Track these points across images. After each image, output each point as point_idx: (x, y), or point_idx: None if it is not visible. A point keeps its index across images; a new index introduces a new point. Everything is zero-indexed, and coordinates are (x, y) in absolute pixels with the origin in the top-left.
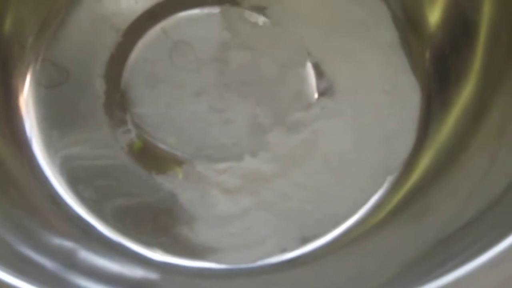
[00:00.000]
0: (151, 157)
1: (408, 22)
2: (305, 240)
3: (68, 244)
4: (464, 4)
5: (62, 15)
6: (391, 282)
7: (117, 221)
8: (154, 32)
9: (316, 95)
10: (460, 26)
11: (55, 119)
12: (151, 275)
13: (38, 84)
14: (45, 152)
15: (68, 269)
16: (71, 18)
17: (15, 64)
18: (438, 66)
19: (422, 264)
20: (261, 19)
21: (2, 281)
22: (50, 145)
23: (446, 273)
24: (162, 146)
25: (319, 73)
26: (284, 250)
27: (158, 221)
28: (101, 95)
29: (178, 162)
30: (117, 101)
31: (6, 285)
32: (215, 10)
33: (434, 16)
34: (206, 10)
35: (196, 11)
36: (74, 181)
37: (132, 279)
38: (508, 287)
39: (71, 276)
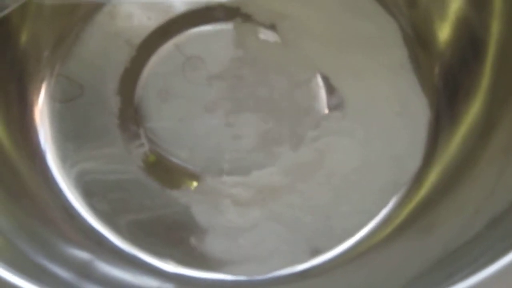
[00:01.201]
0: (164, 170)
1: (418, 40)
2: (315, 253)
3: (82, 254)
4: (473, 22)
5: (76, 31)
6: None
7: (131, 233)
8: (167, 47)
9: (326, 111)
10: (469, 44)
11: (70, 133)
12: (164, 286)
13: (52, 99)
14: (59, 164)
15: (82, 279)
16: (85, 34)
17: (30, 78)
18: (447, 83)
19: (429, 277)
20: (271, 35)
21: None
22: (64, 158)
23: (452, 285)
24: (175, 160)
25: (330, 89)
26: (294, 263)
27: (171, 233)
28: (114, 109)
29: (190, 175)
30: (131, 116)
31: None
32: (226, 26)
33: (443, 33)
34: (218, 27)
35: (208, 27)
36: (88, 193)
37: None
38: None
39: (86, 285)
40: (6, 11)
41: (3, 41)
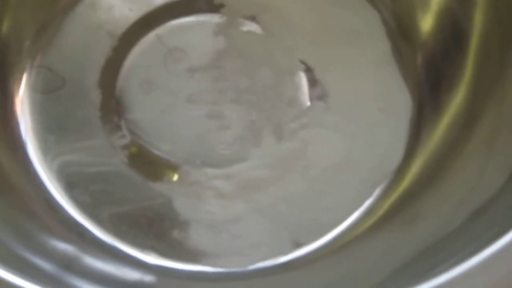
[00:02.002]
0: (145, 162)
1: (401, 31)
2: (298, 245)
3: (64, 246)
4: (456, 13)
5: (57, 22)
6: (382, 285)
7: (112, 225)
8: (148, 39)
9: (309, 103)
10: (451, 35)
11: (51, 125)
12: (146, 278)
13: (34, 90)
14: (40, 156)
15: (64, 271)
16: (66, 26)
17: (11, 69)
18: (430, 74)
19: (412, 268)
20: (253, 27)
21: (2, 279)
22: (45, 150)
23: (437, 275)
24: (157, 151)
25: (312, 80)
26: (277, 255)
27: (152, 225)
28: (96, 101)
29: (173, 167)
30: (112, 107)
31: (6, 284)
32: (208, 18)
33: (426, 25)
34: (200, 18)
35: (190, 19)
36: (69, 185)
37: (127, 281)
38: None
39: (68, 277)
40: None
41: None
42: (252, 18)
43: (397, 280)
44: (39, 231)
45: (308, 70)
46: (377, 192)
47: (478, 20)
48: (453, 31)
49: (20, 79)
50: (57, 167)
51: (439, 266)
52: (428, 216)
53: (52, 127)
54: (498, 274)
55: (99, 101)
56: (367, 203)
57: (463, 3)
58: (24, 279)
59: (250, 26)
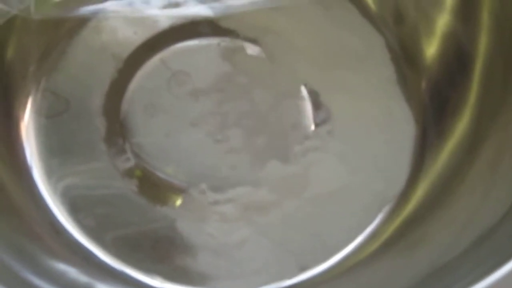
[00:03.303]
0: (150, 186)
1: (405, 55)
2: (302, 269)
3: (69, 270)
4: (460, 37)
5: (62, 46)
6: None
7: (117, 248)
8: (152, 62)
9: (312, 126)
10: (456, 59)
11: (56, 148)
12: None
13: (38, 114)
14: (45, 180)
15: None
16: (71, 49)
17: (16, 93)
18: (434, 98)
19: None
20: (257, 50)
21: None
22: (50, 173)
23: None
24: (161, 175)
25: (316, 104)
26: (281, 279)
27: (157, 248)
28: (100, 124)
29: (177, 191)
30: (117, 131)
31: None
32: (212, 41)
33: (430, 49)
34: (203, 42)
35: (194, 42)
36: (74, 209)
37: None
38: None
39: None
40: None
41: None
42: (255, 41)
43: None
44: (44, 254)
45: (312, 94)
46: (380, 216)
47: (482, 44)
48: (457, 55)
49: (25, 103)
50: (62, 190)
51: None
52: (432, 241)
53: (57, 151)
54: None
55: (103, 124)
56: (371, 227)
57: (467, 27)
58: None
59: (253, 49)
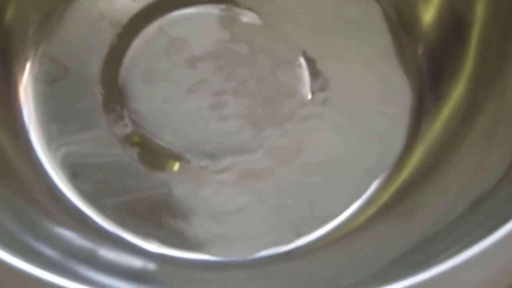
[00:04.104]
0: (147, 152)
1: (401, 23)
2: (298, 235)
3: (67, 233)
4: (457, 5)
5: (60, 12)
6: (382, 273)
7: (114, 214)
8: (150, 29)
9: (309, 94)
10: (452, 27)
11: (54, 114)
12: (149, 266)
13: (37, 79)
14: (44, 145)
15: (68, 258)
16: (69, 15)
17: (15, 57)
18: (431, 65)
19: (413, 257)
20: (255, 19)
21: (7, 263)
22: (48, 139)
23: (437, 264)
24: (158, 141)
25: (314, 72)
26: (278, 244)
27: (154, 214)
28: (99, 91)
29: (174, 157)
30: (115, 97)
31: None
32: (211, 9)
33: (427, 17)
34: (202, 9)
35: (192, 10)
36: (72, 175)
37: (129, 269)
38: (496, 280)
39: (71, 264)
40: None
41: None
42: (253, 10)
43: (397, 269)
44: (42, 218)
45: (310, 62)
46: (377, 182)
47: (479, 12)
48: (454, 23)
49: (24, 68)
50: (60, 156)
51: (439, 256)
52: (428, 206)
53: (55, 117)
54: (498, 263)
55: (101, 91)
56: (367, 193)
57: None
58: (28, 263)
59: (251, 17)
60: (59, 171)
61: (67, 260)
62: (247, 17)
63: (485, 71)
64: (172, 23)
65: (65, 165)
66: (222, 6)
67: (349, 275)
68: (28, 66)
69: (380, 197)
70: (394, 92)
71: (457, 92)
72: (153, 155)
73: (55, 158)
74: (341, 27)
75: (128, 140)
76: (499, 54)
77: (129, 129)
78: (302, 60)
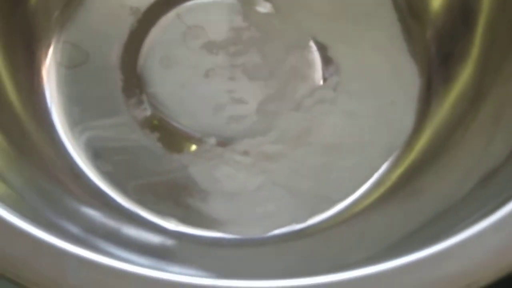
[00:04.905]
0: (165, 135)
1: (410, 10)
2: (312, 214)
3: (89, 211)
4: None
5: (81, 0)
6: (390, 250)
7: (135, 193)
8: (169, 17)
9: (321, 79)
10: (460, 14)
11: (76, 98)
12: (167, 243)
13: (59, 64)
14: (67, 128)
15: (89, 234)
16: (90, 3)
17: (39, 43)
18: (439, 51)
19: (421, 234)
20: (268, 7)
21: (34, 236)
22: (71, 122)
23: (440, 242)
24: (176, 124)
25: (325, 58)
26: (292, 223)
27: (173, 194)
28: (119, 75)
29: (191, 139)
30: (134, 82)
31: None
32: None
33: (435, 3)
34: None
35: None
36: (93, 156)
37: (149, 245)
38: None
39: (93, 240)
40: None
41: (14, 3)
42: None
43: (405, 245)
44: (65, 196)
45: (321, 48)
46: (387, 164)
47: (485, 0)
48: (461, 10)
49: (47, 53)
50: (81, 138)
51: (449, 231)
52: (436, 186)
53: (77, 100)
54: (503, 238)
55: (121, 77)
56: (377, 174)
57: None
58: (53, 236)
59: (265, 6)
60: (81, 152)
61: (88, 236)
62: (262, 5)
63: (491, 57)
64: (189, 11)
65: (86, 146)
66: None
67: (360, 251)
68: (50, 51)
69: (390, 178)
70: (404, 78)
71: (465, 76)
72: (171, 137)
73: (78, 141)
74: (352, 14)
75: (147, 123)
76: (505, 41)
77: (148, 113)
78: (314, 47)
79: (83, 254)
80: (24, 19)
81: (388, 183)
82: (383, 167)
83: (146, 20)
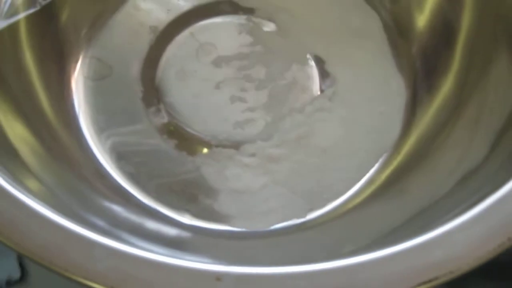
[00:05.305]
0: (181, 139)
1: (397, 29)
2: (311, 210)
3: (113, 207)
4: (447, 14)
5: (105, 19)
6: (379, 242)
7: (153, 191)
8: (183, 35)
9: (319, 91)
10: (442, 32)
11: (101, 107)
12: (182, 235)
13: (86, 77)
14: (93, 134)
15: (113, 227)
16: (114, 23)
17: (68, 58)
18: (423, 65)
19: (406, 227)
20: (272, 27)
21: (65, 227)
22: (97, 129)
23: (426, 233)
24: (190, 130)
25: (323, 72)
26: (292, 218)
27: (187, 192)
28: (139, 87)
29: (203, 143)
30: (153, 93)
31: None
32: (235, 18)
33: (420, 23)
34: (227, 19)
35: (219, 19)
36: (117, 158)
37: (166, 237)
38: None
39: (117, 232)
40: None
41: (47, 22)
42: (271, 18)
43: (392, 237)
44: (92, 194)
45: (319, 63)
46: (376, 166)
47: (465, 21)
48: (443, 29)
49: (75, 67)
50: (107, 143)
51: (432, 224)
52: (420, 185)
53: (102, 109)
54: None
55: (141, 88)
56: (368, 175)
57: (454, 5)
58: (82, 227)
59: (269, 26)
60: (106, 156)
61: (114, 228)
62: (266, 25)
63: (470, 70)
64: (202, 30)
65: (112, 151)
66: (245, 16)
67: (351, 243)
68: (78, 65)
69: (379, 178)
70: (392, 89)
71: (446, 88)
72: (186, 142)
73: (103, 145)
74: (347, 33)
75: (164, 129)
76: (482, 56)
77: (165, 120)
78: (312, 62)
79: (109, 243)
80: (56, 37)
81: (378, 183)
82: (373, 169)
83: (164, 38)
